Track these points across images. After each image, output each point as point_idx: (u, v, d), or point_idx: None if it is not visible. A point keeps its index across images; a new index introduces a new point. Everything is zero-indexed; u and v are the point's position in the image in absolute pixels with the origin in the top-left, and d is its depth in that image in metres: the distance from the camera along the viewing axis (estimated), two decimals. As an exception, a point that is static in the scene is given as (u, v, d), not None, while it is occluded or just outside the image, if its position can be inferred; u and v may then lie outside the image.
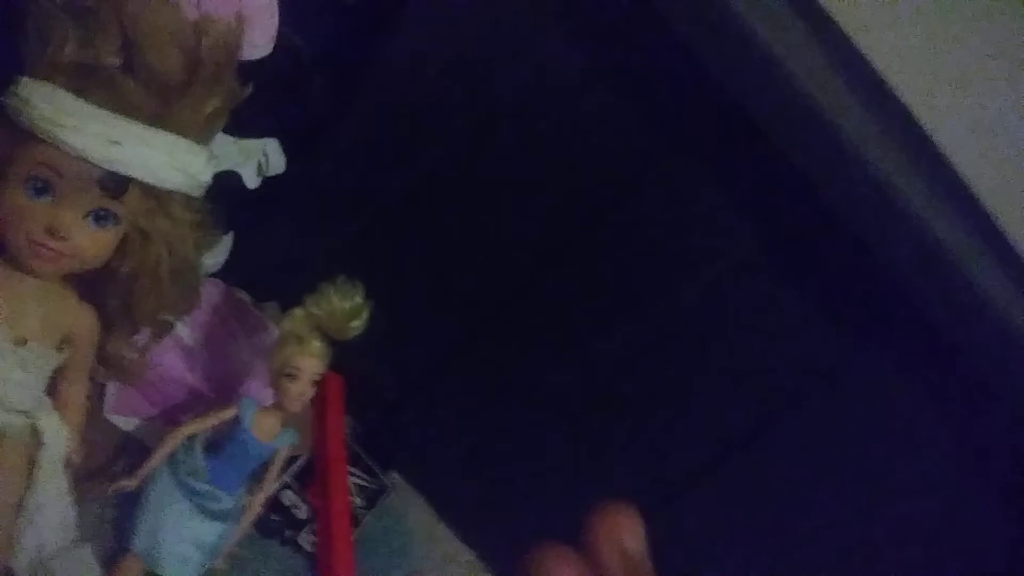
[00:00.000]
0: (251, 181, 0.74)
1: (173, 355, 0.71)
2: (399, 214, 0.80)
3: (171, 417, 0.68)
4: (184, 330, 0.72)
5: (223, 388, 0.73)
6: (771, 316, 0.71)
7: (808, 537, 0.76)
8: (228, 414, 0.65)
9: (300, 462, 0.75)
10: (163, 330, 0.64)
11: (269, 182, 0.76)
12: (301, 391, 0.65)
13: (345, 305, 0.65)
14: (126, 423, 0.67)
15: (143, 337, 0.64)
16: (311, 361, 0.65)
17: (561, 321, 0.78)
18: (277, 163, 0.76)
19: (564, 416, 0.81)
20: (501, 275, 0.79)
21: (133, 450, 0.66)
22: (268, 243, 0.82)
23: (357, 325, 0.66)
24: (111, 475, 0.63)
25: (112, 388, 0.67)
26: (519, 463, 0.85)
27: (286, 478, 0.73)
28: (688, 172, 0.70)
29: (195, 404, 0.70)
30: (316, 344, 0.65)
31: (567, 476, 0.83)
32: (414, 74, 0.75)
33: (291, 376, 0.64)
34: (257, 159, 0.75)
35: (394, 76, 0.76)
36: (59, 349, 0.58)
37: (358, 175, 0.80)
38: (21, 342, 0.55)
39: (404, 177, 0.79)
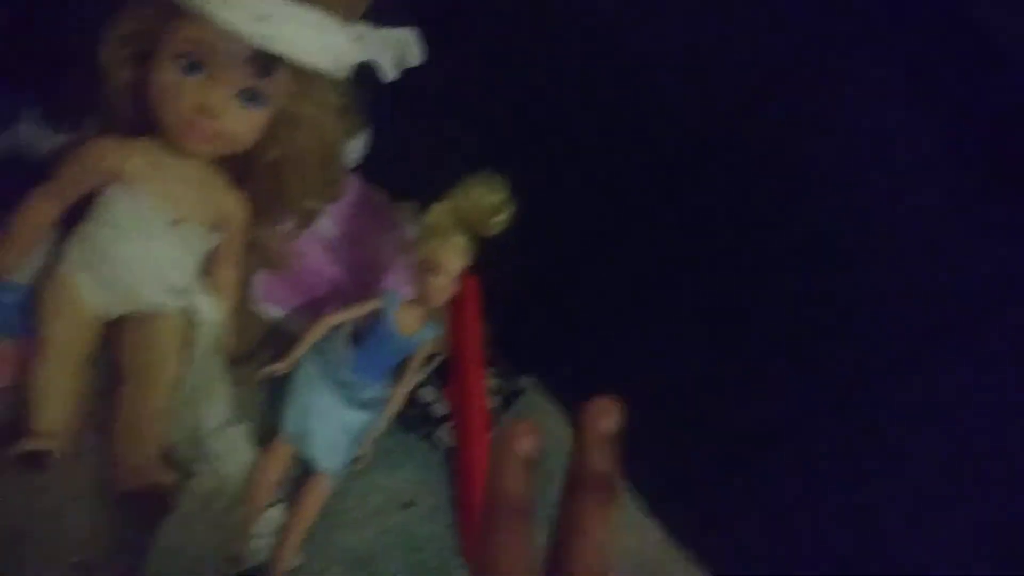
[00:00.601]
0: (389, 72, 0.72)
1: (315, 247, 0.71)
2: (538, 110, 0.77)
3: (315, 308, 0.69)
4: (325, 223, 0.72)
5: (363, 282, 0.73)
6: (946, 224, 0.65)
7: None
8: (372, 306, 0.65)
9: (438, 360, 0.75)
10: (308, 218, 0.64)
11: (406, 74, 0.74)
12: (443, 285, 0.64)
13: (490, 200, 0.63)
14: (273, 311, 0.68)
15: (288, 226, 0.64)
16: (454, 255, 0.64)
17: (710, 226, 0.74)
18: (415, 55, 0.74)
19: (702, 327, 0.78)
20: (647, 174, 0.75)
21: (279, 339, 0.67)
22: (404, 140, 0.80)
23: (500, 221, 0.64)
24: (260, 361, 0.64)
25: (259, 277, 0.67)
26: (653, 372, 0.82)
27: (426, 374, 0.73)
28: (857, 62, 0.64)
29: (336, 296, 0.71)
30: (459, 238, 0.64)
31: (700, 387, 0.80)
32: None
33: (433, 270, 0.64)
34: (395, 50, 0.73)
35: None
36: (212, 231, 0.58)
37: (498, 69, 0.77)
38: (177, 222, 0.56)
39: (544, 72, 0.75)
